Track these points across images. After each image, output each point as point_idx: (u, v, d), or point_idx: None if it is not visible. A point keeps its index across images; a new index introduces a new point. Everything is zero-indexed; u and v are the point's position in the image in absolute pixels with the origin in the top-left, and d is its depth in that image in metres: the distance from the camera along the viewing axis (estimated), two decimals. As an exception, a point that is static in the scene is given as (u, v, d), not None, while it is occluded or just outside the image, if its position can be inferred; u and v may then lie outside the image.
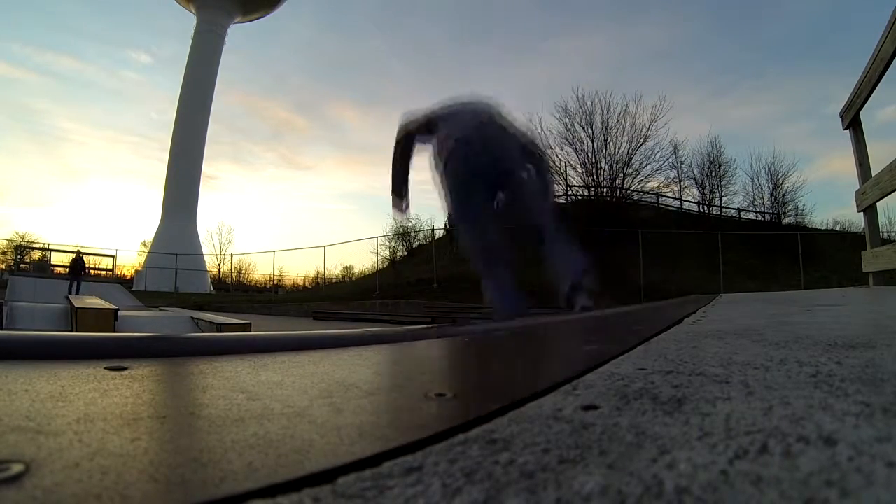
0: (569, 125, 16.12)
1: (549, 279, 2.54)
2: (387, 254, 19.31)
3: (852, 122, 3.49)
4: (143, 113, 61.39)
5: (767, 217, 18.17)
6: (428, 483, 0.26)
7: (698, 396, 0.44)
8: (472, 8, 62.05)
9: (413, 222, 17.04)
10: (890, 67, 2.83)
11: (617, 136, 16.03)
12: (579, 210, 14.99)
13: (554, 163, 15.83)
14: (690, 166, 18.18)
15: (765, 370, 0.55)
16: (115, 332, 5.49)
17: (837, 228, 18.86)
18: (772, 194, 18.23)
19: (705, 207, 18.23)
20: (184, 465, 0.28)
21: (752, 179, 18.49)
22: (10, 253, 24.96)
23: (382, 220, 35.10)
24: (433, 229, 17.64)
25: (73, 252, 15.64)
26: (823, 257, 14.41)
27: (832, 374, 0.51)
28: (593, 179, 16.21)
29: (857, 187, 3.49)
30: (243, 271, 28.43)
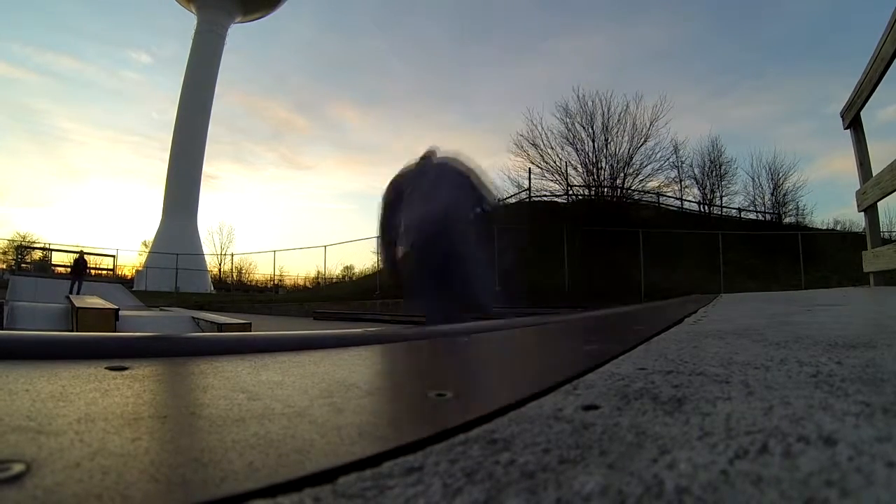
0: (569, 125, 16.10)
1: (470, 292, 2.63)
2: (387, 254, 19.25)
3: (853, 121, 3.49)
4: (144, 113, 61.79)
5: (768, 217, 18.15)
6: (428, 483, 0.26)
7: (699, 396, 0.44)
8: (472, 8, 62.21)
9: None
10: (890, 67, 2.83)
11: (617, 136, 16.01)
12: (580, 210, 14.99)
13: (554, 162, 15.88)
14: (691, 166, 18.17)
15: (765, 370, 0.55)
16: (115, 331, 5.49)
17: (838, 228, 18.92)
18: (772, 194, 18.23)
19: (706, 207, 18.20)
20: (184, 465, 0.28)
21: (753, 179, 18.51)
22: (10, 253, 25.03)
23: (383, 220, 34.98)
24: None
25: (74, 252, 15.71)
26: (824, 257, 14.38)
27: (832, 374, 0.51)
28: (594, 179, 16.19)
29: (858, 187, 3.49)
30: (244, 271, 28.50)
